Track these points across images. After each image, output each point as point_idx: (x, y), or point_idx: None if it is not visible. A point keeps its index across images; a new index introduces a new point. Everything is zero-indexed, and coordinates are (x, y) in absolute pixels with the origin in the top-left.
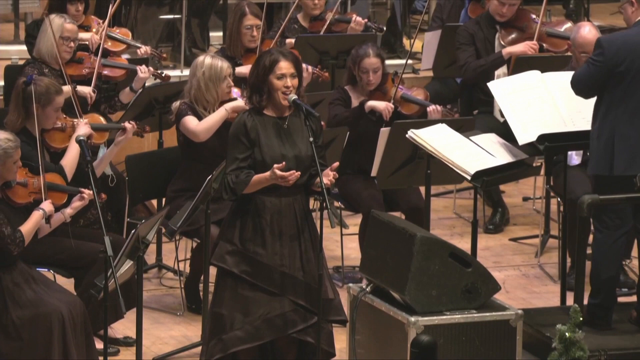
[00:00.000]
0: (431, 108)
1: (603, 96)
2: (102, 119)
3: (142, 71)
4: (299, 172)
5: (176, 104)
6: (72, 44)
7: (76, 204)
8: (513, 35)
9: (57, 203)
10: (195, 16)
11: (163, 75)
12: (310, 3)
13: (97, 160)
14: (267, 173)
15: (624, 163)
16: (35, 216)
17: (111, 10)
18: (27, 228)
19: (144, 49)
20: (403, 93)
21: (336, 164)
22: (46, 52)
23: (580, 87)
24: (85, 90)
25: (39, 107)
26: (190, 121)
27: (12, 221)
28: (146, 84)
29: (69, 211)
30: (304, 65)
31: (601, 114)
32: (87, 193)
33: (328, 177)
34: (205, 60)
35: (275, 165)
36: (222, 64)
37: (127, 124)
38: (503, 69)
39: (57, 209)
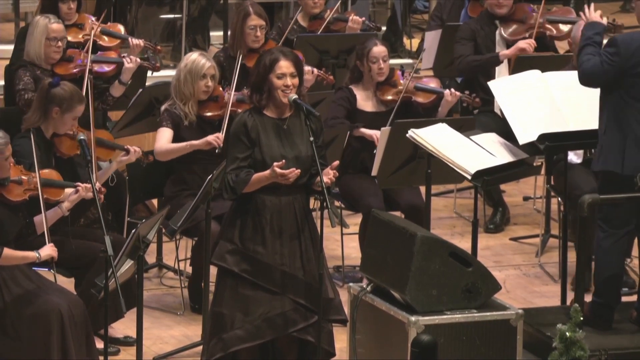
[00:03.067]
0: (448, 91)
1: (614, 93)
2: (110, 135)
3: (128, 61)
4: (299, 170)
5: (163, 107)
6: (59, 44)
7: (72, 197)
8: (514, 28)
9: (55, 198)
10: (195, 16)
11: (155, 65)
12: (310, 2)
13: (97, 172)
14: (267, 171)
15: (635, 163)
16: (29, 255)
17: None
18: (12, 253)
19: (136, 42)
20: (416, 84)
21: (336, 162)
22: (35, 54)
23: (591, 82)
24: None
25: (59, 111)
26: (161, 135)
27: (6, 220)
28: (146, 84)
29: (66, 204)
30: (309, 68)
31: (611, 111)
32: (83, 186)
33: (328, 175)
34: (192, 55)
35: (275, 164)
36: (205, 62)
37: (131, 148)
38: (504, 69)
39: (55, 204)
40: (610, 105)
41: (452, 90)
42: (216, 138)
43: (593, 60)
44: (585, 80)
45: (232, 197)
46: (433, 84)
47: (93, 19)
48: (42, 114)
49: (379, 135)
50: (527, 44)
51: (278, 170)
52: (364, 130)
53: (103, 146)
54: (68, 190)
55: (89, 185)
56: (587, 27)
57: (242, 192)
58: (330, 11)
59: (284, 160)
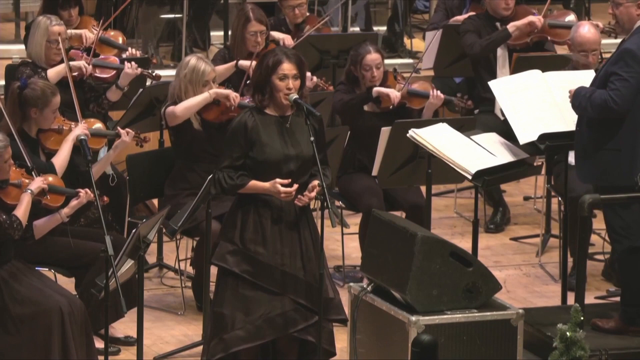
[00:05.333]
0: (433, 93)
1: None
2: (100, 125)
3: (129, 67)
4: (297, 186)
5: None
6: (60, 46)
7: (73, 203)
8: (515, 32)
9: (55, 205)
10: (196, 15)
11: (154, 74)
12: (291, 13)
13: (95, 163)
14: (267, 184)
15: None
16: (25, 199)
17: (111, 18)
18: (20, 212)
19: (130, 52)
20: (409, 89)
21: (315, 182)
22: (35, 55)
23: (626, 104)
24: (80, 63)
25: (37, 111)
26: (173, 107)
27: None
28: (147, 84)
29: (66, 211)
30: (308, 75)
31: (630, 124)
32: (84, 192)
33: (310, 192)
34: (190, 61)
35: (278, 180)
36: (205, 68)
37: (121, 131)
38: (504, 69)
39: (55, 210)
40: (630, 119)
41: (437, 92)
42: (236, 96)
43: (616, 89)
44: (618, 107)
45: (219, 194)
46: (427, 88)
47: (95, 24)
48: (19, 118)
49: (395, 92)
50: (537, 19)
51: (280, 187)
52: (379, 88)
53: (94, 135)
54: None
55: (91, 193)
56: (577, 95)
57: (232, 194)
58: (310, 25)
59: (290, 180)
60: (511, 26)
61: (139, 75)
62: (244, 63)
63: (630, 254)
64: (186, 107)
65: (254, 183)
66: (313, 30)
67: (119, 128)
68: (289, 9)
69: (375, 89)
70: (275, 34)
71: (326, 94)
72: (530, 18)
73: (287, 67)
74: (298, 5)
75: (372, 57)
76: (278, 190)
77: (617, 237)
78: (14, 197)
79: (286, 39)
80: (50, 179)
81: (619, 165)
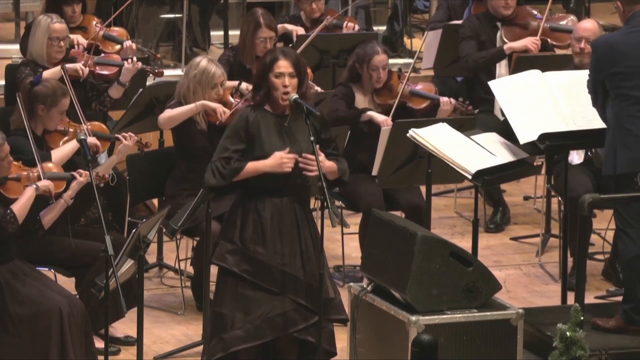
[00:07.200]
0: (444, 99)
1: (609, 101)
2: (104, 127)
3: (129, 63)
4: (297, 155)
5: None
6: (62, 44)
7: (74, 184)
8: (515, 33)
9: (56, 191)
10: (196, 15)
11: (157, 70)
12: (309, 8)
13: (98, 167)
14: (267, 160)
15: (627, 161)
16: (28, 192)
17: (112, 16)
18: (18, 206)
19: (128, 44)
20: (411, 89)
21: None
22: (37, 54)
23: (589, 90)
24: (76, 65)
25: (44, 108)
26: (162, 114)
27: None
28: (147, 83)
29: (68, 193)
30: (317, 88)
31: (610, 117)
32: (83, 173)
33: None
34: (201, 62)
35: (277, 152)
36: (216, 71)
37: (124, 135)
38: (504, 69)
39: (57, 196)
40: (610, 113)
41: (448, 99)
42: (224, 111)
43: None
44: (592, 97)
45: (220, 183)
46: (429, 90)
47: (97, 21)
48: (28, 114)
49: (388, 121)
50: (533, 46)
51: (279, 153)
52: (372, 113)
53: (97, 138)
54: None
55: (87, 172)
56: None
57: (232, 180)
58: (331, 16)
59: (288, 149)
60: (507, 48)
61: (140, 70)
62: (206, 103)
63: (633, 252)
64: (169, 116)
65: (253, 164)
66: (334, 19)
67: (120, 135)
68: (306, 4)
69: (368, 113)
70: (288, 26)
71: (326, 93)
72: (527, 44)
73: (283, 65)
74: None
75: (380, 58)
76: (280, 158)
77: (618, 232)
78: (14, 190)
79: (298, 30)
80: (50, 165)
81: (605, 155)
